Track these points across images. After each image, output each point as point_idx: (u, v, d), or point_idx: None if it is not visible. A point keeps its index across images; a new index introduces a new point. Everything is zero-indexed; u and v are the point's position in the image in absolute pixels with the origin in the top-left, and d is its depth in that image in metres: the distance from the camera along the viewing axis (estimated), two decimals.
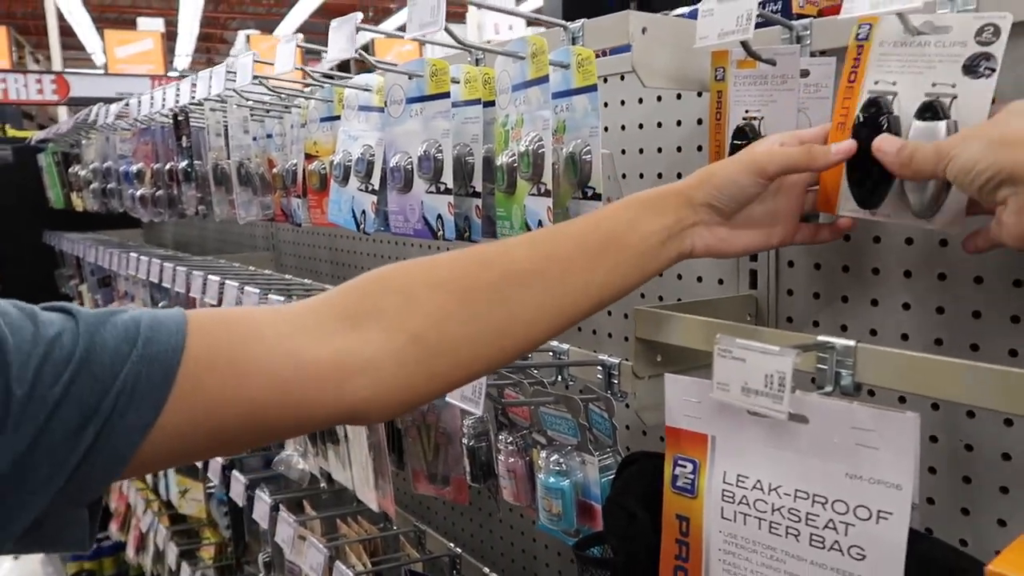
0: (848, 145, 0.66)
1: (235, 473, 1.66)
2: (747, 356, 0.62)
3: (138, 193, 1.91)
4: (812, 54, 0.81)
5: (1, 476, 0.46)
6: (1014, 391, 0.55)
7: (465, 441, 1.02)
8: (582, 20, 0.87)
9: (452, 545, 1.30)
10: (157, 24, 9.89)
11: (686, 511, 0.70)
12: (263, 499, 1.52)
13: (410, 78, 1.01)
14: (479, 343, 0.64)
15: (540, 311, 0.65)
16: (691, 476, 0.69)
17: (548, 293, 0.65)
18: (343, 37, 0.94)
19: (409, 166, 1.03)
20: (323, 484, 1.52)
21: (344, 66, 1.72)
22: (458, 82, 0.95)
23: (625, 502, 0.74)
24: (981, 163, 0.55)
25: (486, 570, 1.21)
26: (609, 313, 1.11)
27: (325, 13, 11.31)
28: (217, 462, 1.70)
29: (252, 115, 1.46)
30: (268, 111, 1.44)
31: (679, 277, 1.04)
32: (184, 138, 1.65)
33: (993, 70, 0.60)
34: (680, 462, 0.70)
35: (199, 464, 1.98)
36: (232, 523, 1.92)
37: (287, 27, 11.93)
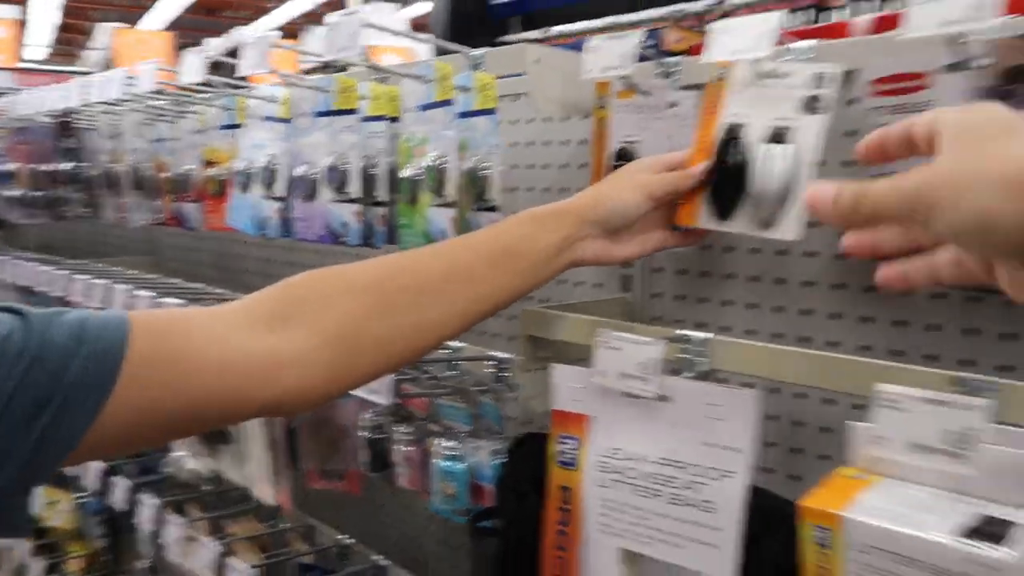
0: (704, 166, 0.79)
1: (116, 479, 1.64)
2: (623, 346, 0.73)
3: (14, 194, 1.85)
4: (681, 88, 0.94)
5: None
6: (831, 373, 0.69)
7: (364, 434, 1.09)
8: (485, 49, 0.97)
9: (341, 536, 1.35)
10: (12, 11, 9.24)
11: (568, 482, 0.80)
12: (148, 502, 1.52)
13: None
14: (393, 342, 0.71)
15: (447, 313, 0.73)
16: (573, 451, 0.80)
17: (454, 297, 0.74)
18: (256, 53, 1.00)
19: (314, 176, 1.09)
20: (207, 487, 1.54)
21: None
22: (365, 99, 1.02)
23: (514, 482, 0.84)
24: (1001, 220, 0.43)
25: (375, 556, 1.27)
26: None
27: (198, 9, 10.92)
28: (97, 468, 1.67)
29: (145, 119, 1.47)
30: (161, 116, 1.46)
31: (562, 283, 1.15)
32: (68, 139, 1.62)
33: (825, 109, 0.74)
34: (564, 440, 0.80)
35: (70, 473, 1.93)
36: (109, 532, 1.87)
37: (152, 21, 11.42)
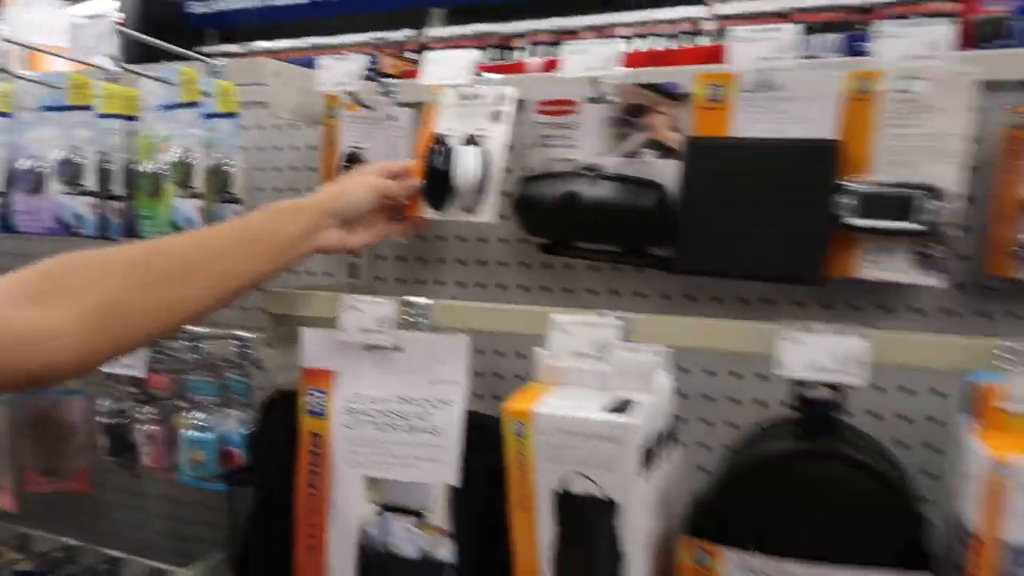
0: (421, 182, 0.98)
1: None
2: (364, 307, 0.90)
3: None
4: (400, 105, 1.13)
5: None
6: (516, 320, 0.92)
7: (103, 420, 1.12)
8: (226, 61, 1.08)
9: (65, 539, 1.32)
10: None
11: (318, 429, 0.95)
12: None
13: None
14: (150, 317, 0.79)
15: (200, 292, 0.83)
16: (321, 402, 0.94)
17: (206, 278, 0.83)
18: None
19: (41, 170, 1.10)
20: None
21: None
22: (100, 96, 1.07)
23: (267, 434, 0.96)
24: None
25: (107, 551, 1.28)
26: None
27: None
28: None
29: None
30: None
31: (296, 274, 1.28)
32: None
33: (506, 119, 0.97)
34: (312, 393, 0.95)
35: None
36: None
37: None
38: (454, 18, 3.60)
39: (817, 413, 0.78)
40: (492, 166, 0.96)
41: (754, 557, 0.76)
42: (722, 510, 0.79)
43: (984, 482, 0.66)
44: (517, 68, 1.25)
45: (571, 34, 3.72)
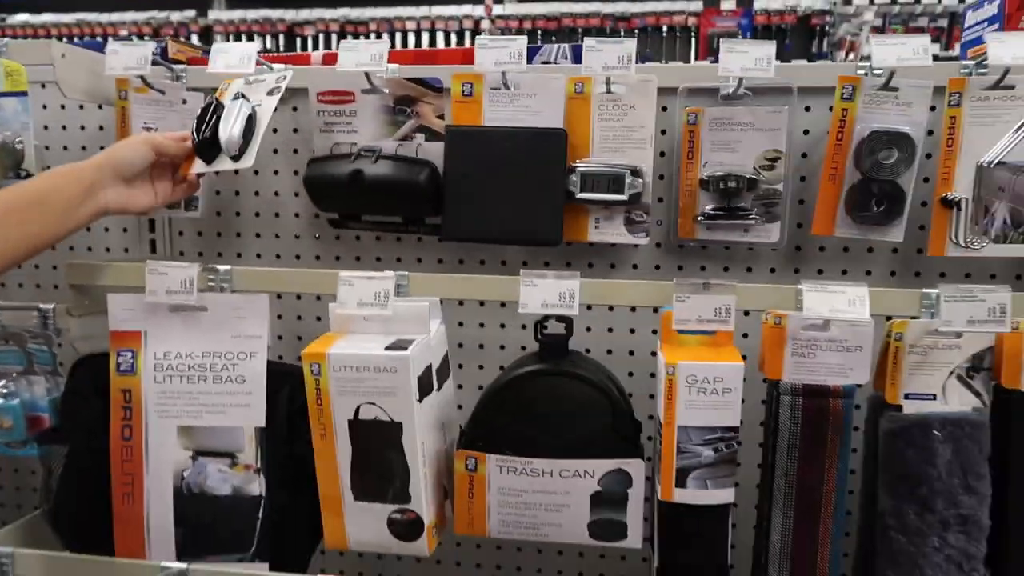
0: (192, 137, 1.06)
1: None
2: (169, 271, 1.01)
3: None
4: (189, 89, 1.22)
5: None
6: (311, 282, 1.06)
7: None
8: (7, 39, 1.11)
9: None
10: None
11: (128, 385, 1.04)
12: None
13: None
14: None
15: None
16: (131, 361, 1.04)
17: None
18: None
19: None
20: None
21: None
22: None
23: (77, 392, 1.04)
24: None
25: None
26: (36, 266, 1.33)
27: None
28: None
29: None
30: None
31: (89, 249, 1.33)
32: None
33: (277, 92, 1.08)
34: (122, 353, 1.04)
35: None
36: None
37: None
38: (237, 2, 3.56)
39: (551, 342, 1.01)
40: (258, 120, 1.05)
41: (509, 458, 0.98)
42: (484, 423, 1.00)
43: (663, 381, 0.92)
44: (303, 59, 1.37)
45: (360, 24, 3.83)
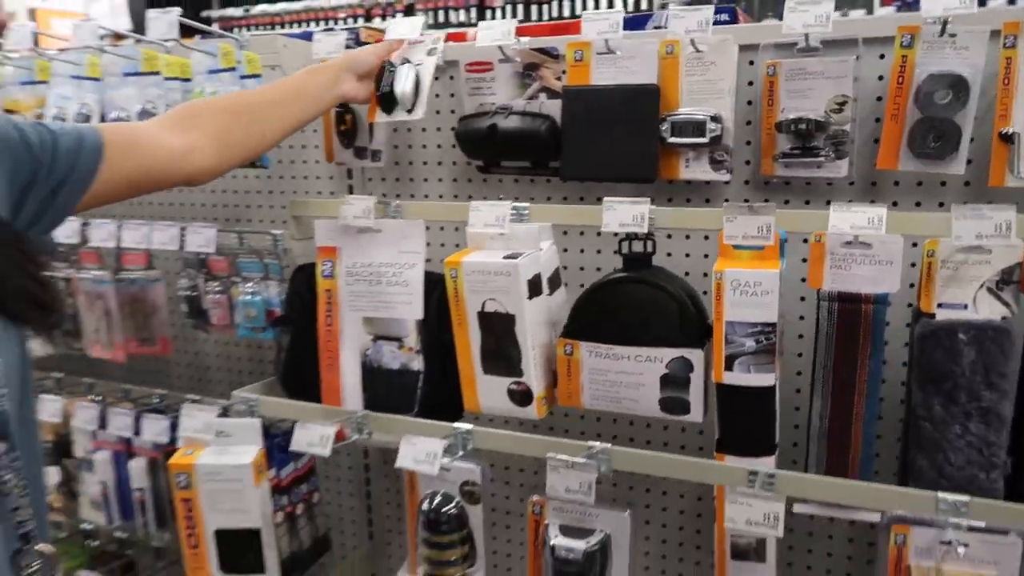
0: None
1: None
2: (355, 203, 1.39)
3: None
4: None
5: (57, 186, 0.97)
6: (457, 213, 1.40)
7: (182, 293, 1.62)
8: (248, 35, 1.54)
9: (157, 389, 1.83)
10: None
11: (329, 286, 1.44)
12: None
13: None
14: (248, 140, 1.24)
15: (276, 125, 1.27)
16: (331, 268, 1.44)
17: (277, 115, 1.27)
18: (87, 31, 1.47)
19: (125, 116, 1.58)
20: None
21: None
22: (161, 66, 1.54)
23: (297, 289, 1.47)
24: None
25: (190, 396, 1.79)
26: (271, 206, 1.80)
27: None
28: None
29: None
30: None
31: (306, 192, 1.77)
32: None
33: (435, 53, 1.43)
34: (325, 263, 1.44)
35: None
36: None
37: None
38: None
39: (632, 257, 1.27)
40: (424, 79, 1.40)
41: (597, 345, 1.26)
42: (579, 318, 1.28)
43: (714, 286, 1.15)
44: (461, 37, 1.70)
45: None
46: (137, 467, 1.67)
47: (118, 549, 1.94)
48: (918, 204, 1.32)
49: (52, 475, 1.81)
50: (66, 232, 1.64)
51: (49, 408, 1.71)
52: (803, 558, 1.45)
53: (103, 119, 1.60)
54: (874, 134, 1.31)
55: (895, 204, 1.33)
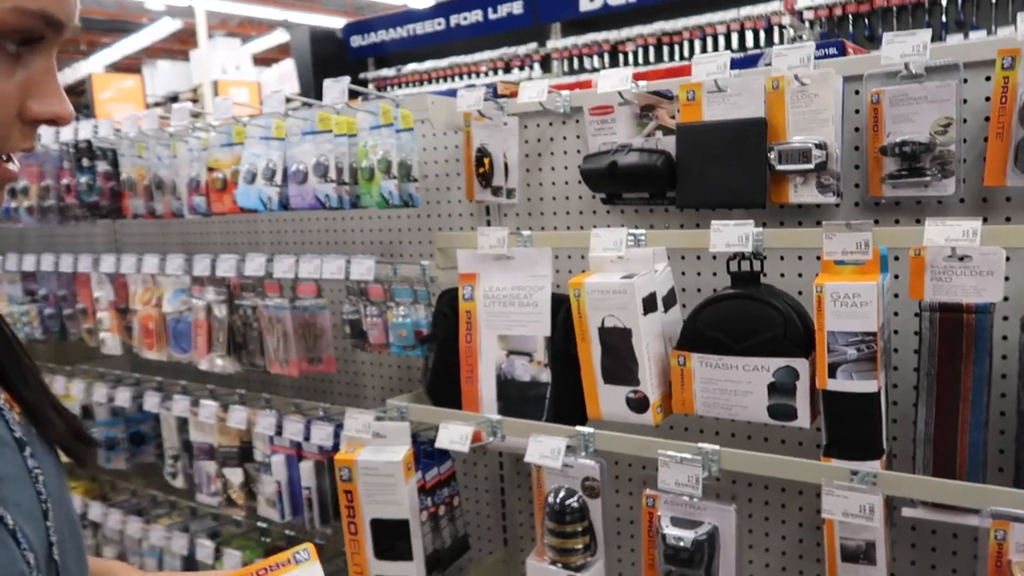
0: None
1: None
2: (490, 233, 1.58)
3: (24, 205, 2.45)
4: None
5: None
6: (581, 240, 1.56)
7: (347, 317, 1.87)
8: (404, 95, 1.79)
9: (321, 404, 2.10)
10: None
11: (469, 308, 1.64)
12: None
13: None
14: None
15: None
16: (471, 292, 1.64)
17: None
18: (224, 104, 1.77)
19: (304, 169, 1.87)
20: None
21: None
22: (332, 126, 1.82)
23: (442, 310, 1.67)
24: None
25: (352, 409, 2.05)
26: (420, 242, 2.04)
27: None
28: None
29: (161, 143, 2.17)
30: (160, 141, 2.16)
31: (450, 228, 1.99)
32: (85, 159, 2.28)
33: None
34: (466, 287, 1.64)
35: None
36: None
37: None
38: (569, 30, 4.25)
39: (739, 275, 1.38)
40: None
41: (707, 355, 1.37)
42: (691, 331, 1.40)
43: (815, 299, 1.24)
44: (586, 84, 1.88)
45: (675, 35, 4.27)
46: (306, 468, 1.92)
47: (287, 545, 2.21)
48: None
49: (236, 475, 2.11)
50: (254, 267, 1.94)
51: (236, 417, 2.01)
52: (907, 570, 1.47)
53: (286, 172, 1.90)
54: (983, 153, 1.35)
55: (1008, 219, 1.36)
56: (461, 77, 4.82)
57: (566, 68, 4.46)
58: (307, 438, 1.89)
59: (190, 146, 2.13)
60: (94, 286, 2.42)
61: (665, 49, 4.17)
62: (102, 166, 2.28)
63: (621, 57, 4.32)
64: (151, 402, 2.25)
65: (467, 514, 2.03)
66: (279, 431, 1.94)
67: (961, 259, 1.19)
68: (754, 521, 1.62)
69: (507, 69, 4.67)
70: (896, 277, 1.44)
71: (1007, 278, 1.28)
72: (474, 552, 2.02)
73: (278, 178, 1.92)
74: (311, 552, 0.83)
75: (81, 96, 9.61)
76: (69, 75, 10.52)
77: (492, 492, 2.01)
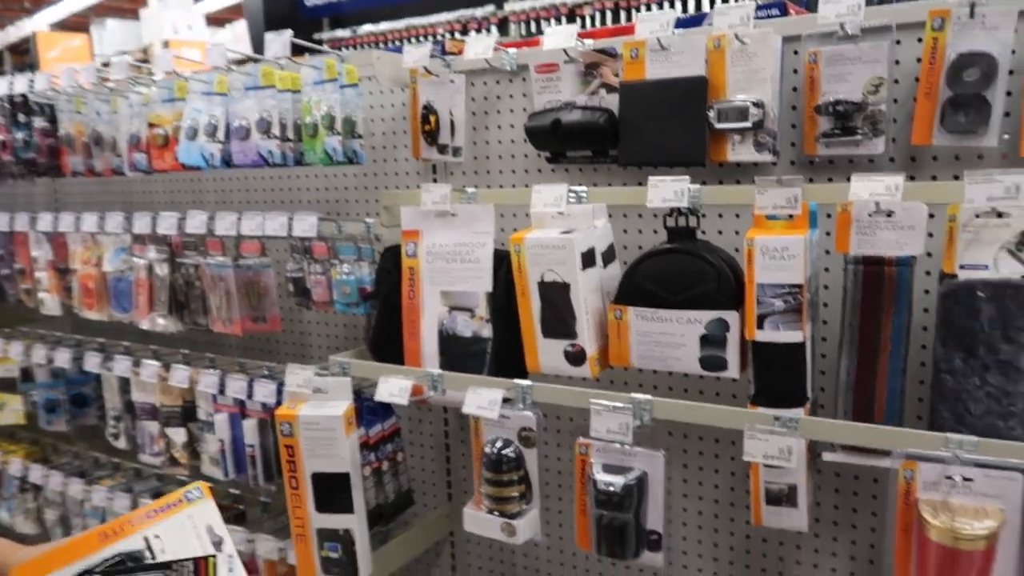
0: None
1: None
2: (433, 190, 1.58)
3: None
4: None
5: None
6: (521, 197, 1.57)
7: (290, 274, 1.86)
8: (349, 51, 1.77)
9: (267, 363, 2.09)
10: None
11: (412, 264, 1.64)
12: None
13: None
14: None
15: None
16: (414, 248, 1.64)
17: None
18: (217, 54, 1.74)
19: (247, 125, 1.84)
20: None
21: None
22: (276, 81, 1.79)
23: (384, 266, 1.67)
24: None
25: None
26: (367, 200, 2.03)
27: None
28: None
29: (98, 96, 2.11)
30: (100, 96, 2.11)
31: (397, 187, 1.98)
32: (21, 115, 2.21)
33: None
34: (409, 244, 1.64)
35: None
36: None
37: None
38: None
39: (675, 230, 1.40)
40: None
41: (643, 309, 1.40)
42: (628, 285, 1.42)
43: (746, 252, 1.27)
44: (535, 42, 1.88)
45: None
46: (249, 426, 1.92)
47: (232, 503, 2.20)
48: (956, 178, 1.39)
49: (179, 435, 2.09)
50: (195, 224, 1.91)
51: (178, 376, 1.99)
52: (830, 513, 1.52)
53: (228, 128, 1.87)
54: (912, 113, 1.39)
55: (934, 178, 1.40)
56: (418, 39, 4.76)
57: (523, 32, 4.44)
58: (250, 396, 1.88)
59: (131, 102, 2.08)
60: (32, 245, 2.36)
61: (623, 14, 4.17)
62: (39, 122, 2.22)
63: (579, 21, 4.31)
64: (92, 363, 2.21)
65: (412, 470, 2.05)
66: (222, 390, 1.93)
67: (889, 215, 1.22)
68: (688, 470, 1.67)
69: (464, 31, 4.62)
70: (828, 234, 1.48)
71: (930, 234, 1.32)
72: (418, 507, 2.04)
73: (220, 134, 1.89)
74: (204, 491, 0.83)
75: (25, 55, 9.27)
76: (12, 33, 10.11)
77: (437, 448, 2.03)
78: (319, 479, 1.59)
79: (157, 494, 2.32)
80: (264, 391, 1.85)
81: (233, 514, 2.18)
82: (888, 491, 1.14)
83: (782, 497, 1.28)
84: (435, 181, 1.92)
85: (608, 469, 1.32)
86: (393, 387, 1.47)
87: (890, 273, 1.22)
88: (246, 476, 1.97)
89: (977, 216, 1.18)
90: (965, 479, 1.07)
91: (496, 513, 1.43)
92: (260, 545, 1.94)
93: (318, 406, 1.59)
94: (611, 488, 1.28)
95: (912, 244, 1.21)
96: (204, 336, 2.10)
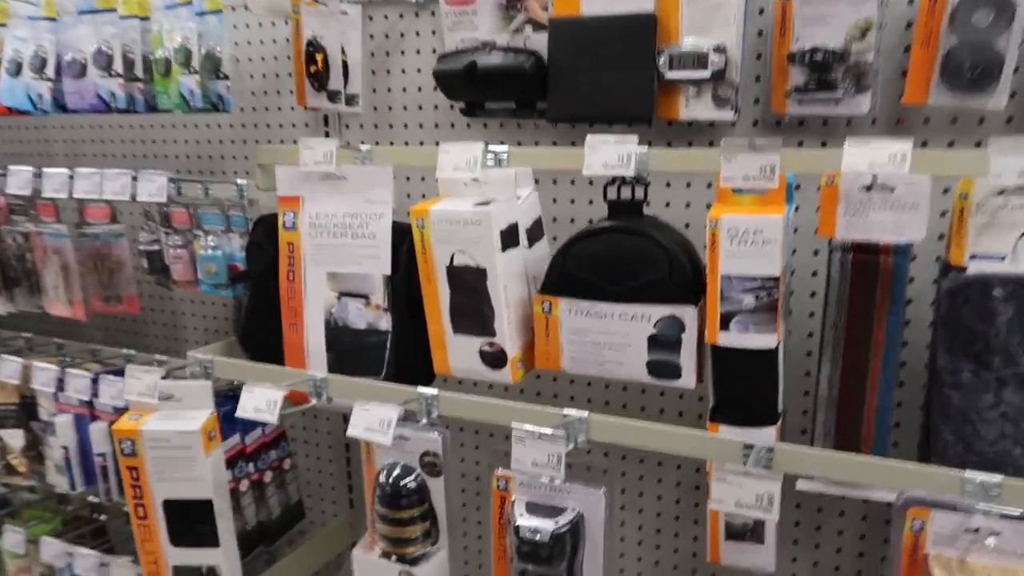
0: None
1: None
2: (316, 147, 1.26)
3: None
4: None
5: None
6: (427, 157, 1.26)
7: (143, 247, 1.50)
8: None
9: (124, 349, 1.73)
10: None
11: (292, 239, 1.32)
12: None
13: None
14: None
15: None
16: (293, 219, 1.31)
17: None
18: None
19: (82, 60, 1.46)
20: None
21: None
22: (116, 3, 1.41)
23: (257, 241, 1.34)
24: None
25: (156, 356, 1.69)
26: (234, 156, 1.68)
27: None
28: None
29: None
30: None
31: (281, 141, 1.64)
32: None
33: None
34: (287, 213, 1.32)
35: None
36: None
37: None
38: None
39: (618, 204, 1.13)
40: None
41: (577, 301, 1.12)
42: (558, 272, 1.14)
43: (709, 235, 1.01)
44: None
45: None
46: (98, 431, 1.57)
47: (91, 513, 1.85)
48: (951, 144, 1.16)
49: (16, 438, 1.72)
50: (18, 183, 1.52)
51: (8, 369, 1.62)
52: (811, 536, 1.31)
53: (59, 62, 1.48)
54: (902, 65, 1.15)
55: (924, 144, 1.17)
56: None
57: None
58: (96, 395, 1.53)
59: None
60: None
61: None
62: None
63: None
64: None
65: (307, 472, 1.75)
66: (61, 386, 1.57)
67: (892, 190, 0.98)
68: (626, 496, 1.42)
69: None
70: (796, 209, 1.24)
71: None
72: (316, 515, 1.75)
73: (50, 70, 1.50)
74: None
75: None
76: None
77: (336, 448, 1.73)
78: (173, 507, 1.27)
79: (3, 503, 1.94)
80: (113, 390, 1.50)
81: (90, 528, 1.84)
82: (891, 544, 0.91)
83: (746, 532, 1.04)
84: (328, 136, 1.59)
85: (534, 510, 1.06)
86: (259, 400, 1.15)
87: (886, 264, 0.98)
88: (96, 489, 1.63)
89: (1000, 194, 0.94)
90: (993, 532, 0.85)
91: (393, 557, 1.15)
92: (116, 572, 1.61)
93: (170, 417, 1.27)
94: (536, 537, 1.02)
95: (914, 228, 0.97)
96: (58, 320, 1.72)
